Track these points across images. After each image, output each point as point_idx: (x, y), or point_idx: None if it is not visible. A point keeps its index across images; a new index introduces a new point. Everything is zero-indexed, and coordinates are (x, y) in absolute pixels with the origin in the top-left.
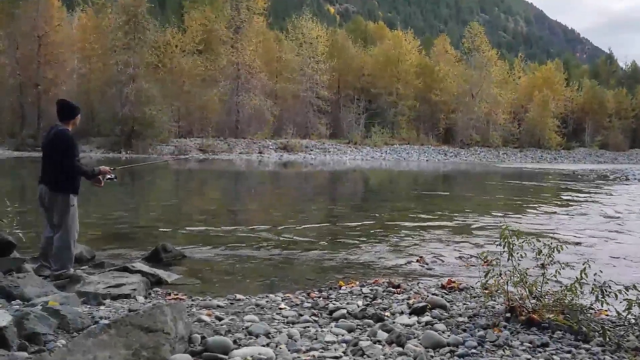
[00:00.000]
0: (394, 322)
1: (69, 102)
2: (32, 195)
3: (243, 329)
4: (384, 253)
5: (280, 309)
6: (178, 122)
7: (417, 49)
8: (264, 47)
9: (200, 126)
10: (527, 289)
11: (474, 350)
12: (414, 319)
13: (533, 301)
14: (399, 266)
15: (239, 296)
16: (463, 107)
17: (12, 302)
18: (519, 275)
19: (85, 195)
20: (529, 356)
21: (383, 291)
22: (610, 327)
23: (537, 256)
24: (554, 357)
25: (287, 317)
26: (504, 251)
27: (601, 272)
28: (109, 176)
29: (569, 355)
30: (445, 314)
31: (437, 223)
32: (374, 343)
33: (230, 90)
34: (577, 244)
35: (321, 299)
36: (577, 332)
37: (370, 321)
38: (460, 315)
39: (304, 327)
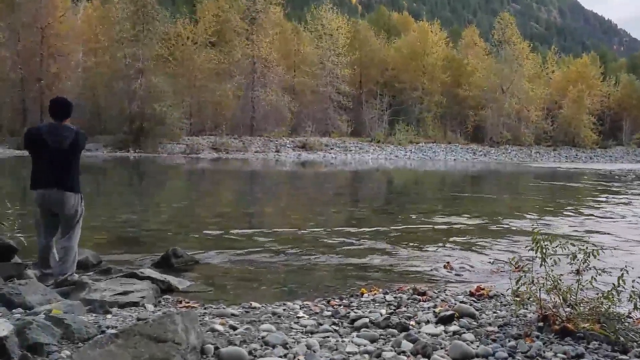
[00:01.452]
0: (419, 332)
1: (67, 99)
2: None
3: (259, 339)
4: (408, 258)
5: (299, 317)
6: (190, 119)
7: (444, 41)
8: (281, 39)
9: (214, 123)
10: (561, 297)
11: None
12: (441, 328)
13: (567, 309)
14: (425, 272)
15: (254, 304)
16: (493, 103)
17: (13, 310)
18: (552, 282)
19: (91, 197)
20: None
21: (408, 299)
22: None
23: (572, 261)
24: None
25: (305, 327)
26: (536, 256)
27: None
28: None
29: None
30: (474, 323)
31: (465, 226)
32: (398, 354)
33: (245, 85)
34: (614, 248)
35: (342, 307)
36: (614, 343)
37: (394, 331)
38: (489, 324)
39: (324, 337)
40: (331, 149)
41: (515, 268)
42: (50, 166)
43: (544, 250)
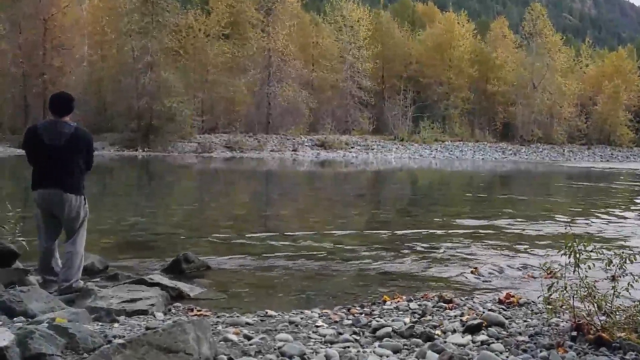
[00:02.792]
0: (445, 342)
1: (67, 94)
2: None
3: (275, 349)
4: (434, 264)
5: (317, 326)
6: (202, 116)
7: (472, 33)
8: (298, 31)
9: (227, 121)
10: (595, 304)
11: None
12: (468, 338)
13: (602, 318)
14: (451, 278)
15: (270, 312)
16: (523, 99)
17: (15, 318)
18: (586, 289)
19: (98, 199)
20: None
21: (433, 306)
22: None
23: (607, 267)
24: None
25: (324, 336)
26: (569, 261)
27: None
28: None
29: None
30: (504, 332)
31: (494, 230)
32: None
33: (261, 80)
34: None
35: (363, 315)
36: None
37: (419, 340)
38: (520, 333)
39: (344, 348)
40: (352, 147)
41: (547, 274)
42: (49, 165)
43: (578, 255)
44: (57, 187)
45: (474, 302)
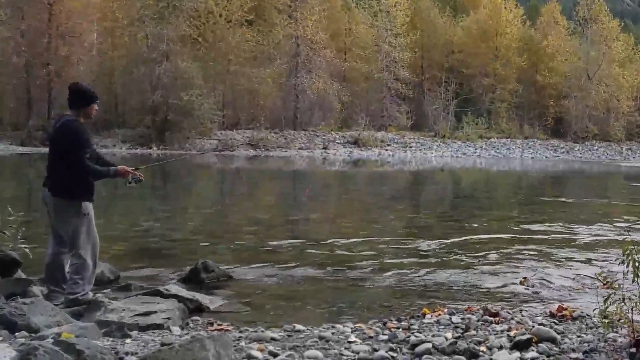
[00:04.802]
0: (491, 359)
1: (82, 86)
2: (40, 201)
3: None
4: (478, 273)
5: (350, 342)
6: (222, 110)
7: (520, 19)
8: (329, 17)
9: (250, 116)
10: None
11: None
12: (516, 355)
13: None
14: (497, 289)
15: (298, 326)
16: (577, 92)
17: (17, 333)
18: None
19: (107, 201)
20: None
21: (477, 320)
22: None
23: None
24: None
25: (358, 353)
26: (627, 271)
27: None
28: (131, 179)
29: None
30: (555, 348)
31: (544, 236)
32: None
33: (288, 71)
34: None
35: (401, 330)
36: None
37: (462, 358)
38: (573, 350)
39: None
40: (388, 145)
41: (604, 284)
42: (48, 163)
43: (637, 264)
44: (48, 187)
45: (522, 316)
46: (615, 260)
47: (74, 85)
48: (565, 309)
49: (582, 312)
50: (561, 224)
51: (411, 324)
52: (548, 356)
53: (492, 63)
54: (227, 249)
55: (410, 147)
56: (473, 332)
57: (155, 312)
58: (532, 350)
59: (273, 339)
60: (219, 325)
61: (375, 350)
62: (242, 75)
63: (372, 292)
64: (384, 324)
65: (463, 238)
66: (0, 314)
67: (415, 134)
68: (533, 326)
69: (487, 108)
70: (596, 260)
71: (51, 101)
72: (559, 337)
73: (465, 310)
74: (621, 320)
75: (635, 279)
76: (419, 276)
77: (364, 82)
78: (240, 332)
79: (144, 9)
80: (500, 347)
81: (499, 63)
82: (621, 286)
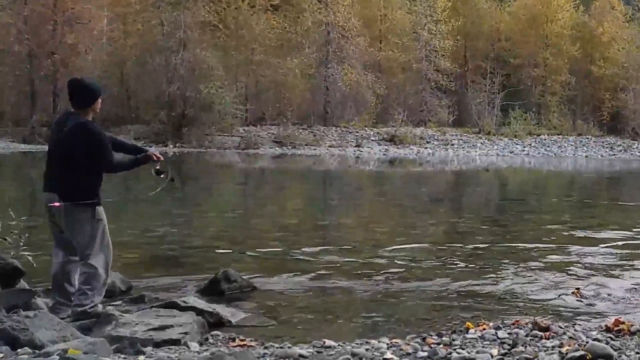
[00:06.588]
0: None
1: (85, 82)
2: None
3: None
4: (527, 283)
5: (386, 359)
6: (245, 104)
7: (573, 4)
8: (362, 2)
9: (276, 110)
10: None
11: None
12: None
13: None
14: (548, 301)
15: (328, 342)
16: (635, 84)
17: (19, 350)
18: None
19: (119, 205)
20: None
21: (526, 335)
22: None
23: None
24: None
25: None
26: None
27: None
28: (157, 168)
29: None
30: None
31: (599, 243)
32: None
33: (317, 61)
34: None
35: (441, 346)
36: None
37: None
38: None
39: None
40: (427, 142)
41: None
42: (48, 165)
43: None
44: (52, 191)
45: (575, 330)
46: None
47: (76, 82)
48: (623, 323)
49: None
50: (618, 230)
51: (453, 340)
52: None
53: (542, 52)
54: (251, 257)
55: (452, 144)
56: (521, 348)
57: (172, 326)
58: None
59: (301, 355)
60: (242, 340)
61: None
62: (267, 65)
63: (409, 305)
64: (423, 339)
65: (509, 245)
66: (0, 329)
67: (457, 130)
68: (587, 342)
69: (537, 102)
70: None
71: (57, 94)
72: (615, 353)
73: (513, 324)
74: None
75: None
76: (461, 287)
77: (401, 73)
78: (265, 348)
79: None
80: None
81: (550, 52)
82: None
